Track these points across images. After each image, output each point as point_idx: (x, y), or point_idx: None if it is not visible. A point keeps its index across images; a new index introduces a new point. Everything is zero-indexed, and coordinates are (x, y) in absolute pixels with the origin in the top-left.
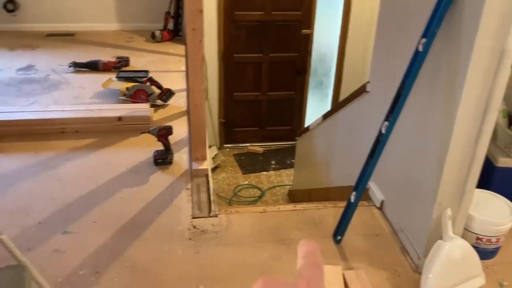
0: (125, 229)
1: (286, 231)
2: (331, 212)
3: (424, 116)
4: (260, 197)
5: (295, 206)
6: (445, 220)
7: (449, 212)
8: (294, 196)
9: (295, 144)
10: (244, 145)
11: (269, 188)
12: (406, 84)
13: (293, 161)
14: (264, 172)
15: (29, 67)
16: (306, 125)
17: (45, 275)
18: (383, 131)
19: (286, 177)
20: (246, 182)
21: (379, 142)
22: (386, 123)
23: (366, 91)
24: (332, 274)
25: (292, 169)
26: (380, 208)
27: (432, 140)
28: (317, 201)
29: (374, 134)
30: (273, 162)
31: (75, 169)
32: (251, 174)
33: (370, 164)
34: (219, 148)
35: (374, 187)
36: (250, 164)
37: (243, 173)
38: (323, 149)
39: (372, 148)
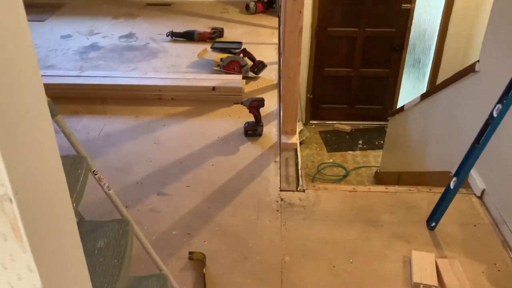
0: (216, 195)
1: (377, 212)
2: (426, 197)
3: None
4: (344, 176)
5: (387, 188)
6: None
7: None
8: (381, 178)
9: (386, 124)
10: (331, 122)
11: (355, 168)
12: None
13: (381, 142)
14: (350, 152)
15: (130, 35)
16: (399, 105)
17: (143, 233)
18: (495, 114)
19: (373, 158)
20: (331, 160)
21: (489, 126)
22: (499, 105)
23: (474, 71)
24: (424, 260)
25: (380, 150)
26: (480, 197)
27: None
28: (408, 185)
29: (481, 117)
30: (360, 142)
31: (170, 135)
32: (336, 153)
33: (475, 150)
34: (304, 124)
35: (475, 175)
36: (336, 142)
37: (328, 151)
38: (419, 131)
39: (480, 132)
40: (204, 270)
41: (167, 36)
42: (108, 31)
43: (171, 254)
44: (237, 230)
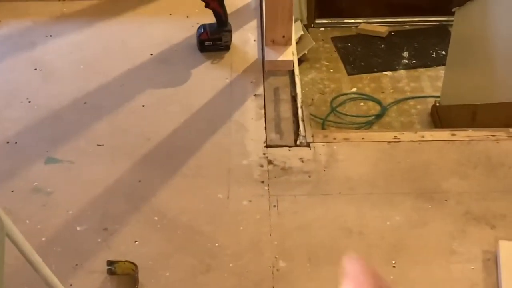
0: (152, 159)
1: (438, 177)
2: None
3: None
4: (378, 116)
5: (453, 134)
6: None
7: None
8: (444, 117)
9: (450, 21)
10: (353, 20)
11: (396, 102)
12: None
13: (443, 52)
14: (388, 72)
15: None
16: None
17: (20, 229)
18: None
19: (429, 83)
20: (354, 89)
21: None
22: None
23: None
24: None
25: (440, 68)
26: None
27: None
28: (491, 126)
29: None
30: (405, 54)
31: (63, 52)
32: (364, 75)
33: None
34: (306, 26)
35: None
36: (362, 56)
37: (349, 73)
38: (511, 32)
39: None
40: None
41: None
42: None
43: (77, 266)
44: (191, 219)
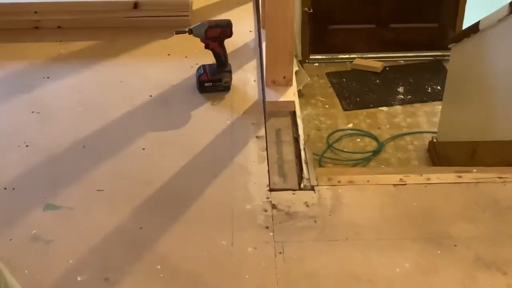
0: (154, 205)
1: (445, 221)
2: None
3: None
4: (375, 153)
5: (460, 176)
6: None
7: None
8: (442, 153)
9: (445, 56)
10: (348, 56)
11: (393, 138)
12: None
13: (438, 88)
14: (384, 108)
15: None
16: (467, 22)
17: (18, 279)
18: None
19: (425, 118)
20: (350, 125)
21: None
22: None
23: None
24: None
25: (438, 103)
26: None
27: None
28: (491, 165)
29: None
30: (400, 89)
31: (61, 95)
32: (359, 111)
33: None
34: (301, 62)
35: None
36: (357, 91)
37: (345, 109)
38: (509, 68)
39: None
40: None
41: None
42: None
43: None
44: (195, 267)
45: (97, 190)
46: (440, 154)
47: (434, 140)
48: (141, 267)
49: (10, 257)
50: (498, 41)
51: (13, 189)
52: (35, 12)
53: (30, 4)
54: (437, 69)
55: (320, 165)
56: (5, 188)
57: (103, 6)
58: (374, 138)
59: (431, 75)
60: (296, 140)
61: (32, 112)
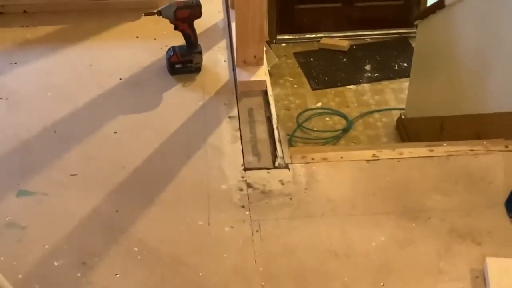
0: (128, 187)
1: (419, 194)
2: (501, 160)
3: None
4: (345, 130)
5: (431, 150)
6: None
7: None
8: (411, 129)
9: (411, 33)
10: (315, 35)
11: (362, 115)
12: None
13: (405, 65)
14: (352, 86)
15: None
16: None
17: None
18: None
19: (392, 95)
20: (319, 104)
21: None
22: None
23: None
24: (509, 274)
25: (405, 80)
26: None
27: None
28: (460, 138)
29: None
30: (367, 67)
31: (29, 80)
32: (328, 90)
33: None
34: (268, 42)
35: None
36: (325, 71)
37: (313, 88)
38: (475, 43)
39: None
40: None
41: None
42: None
43: None
44: (173, 248)
45: (71, 175)
46: (408, 130)
47: (402, 116)
48: (118, 250)
49: None
50: (465, 16)
51: None
52: None
53: None
54: (404, 46)
55: (291, 145)
56: None
57: None
58: (343, 116)
59: (397, 52)
60: (269, 119)
61: (0, 98)
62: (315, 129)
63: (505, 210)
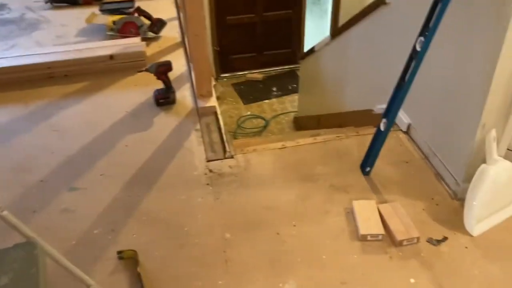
0: (136, 180)
1: (311, 166)
2: (355, 141)
3: (467, 27)
4: (265, 127)
5: (315, 139)
6: (489, 142)
7: (493, 133)
8: (301, 123)
9: (297, 67)
10: (243, 73)
11: (273, 117)
12: None
13: (295, 86)
14: (266, 100)
15: (1, 7)
16: (306, 46)
17: (56, 239)
18: (418, 48)
19: (289, 104)
20: (249, 113)
21: (413, 61)
22: (422, 38)
23: (385, 3)
24: (367, 209)
25: (295, 94)
26: (407, 132)
27: (478, 55)
28: (330, 127)
29: (398, 51)
30: (274, 89)
31: (71, 118)
32: (253, 104)
33: (403, 87)
34: (216, 79)
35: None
36: (250, 93)
37: (245, 103)
38: (333, 71)
39: (405, 68)
40: (138, 268)
41: (46, 3)
42: None
43: (97, 257)
44: (167, 215)
45: (100, 175)
46: (300, 124)
47: (296, 116)
48: (133, 219)
49: (50, 225)
50: (326, 56)
51: (46, 181)
52: (49, 67)
53: (45, 63)
54: (293, 75)
55: (235, 138)
56: (41, 181)
57: (91, 59)
58: (263, 118)
59: (290, 79)
60: (219, 129)
61: (54, 131)
62: (247, 127)
63: (360, 171)
